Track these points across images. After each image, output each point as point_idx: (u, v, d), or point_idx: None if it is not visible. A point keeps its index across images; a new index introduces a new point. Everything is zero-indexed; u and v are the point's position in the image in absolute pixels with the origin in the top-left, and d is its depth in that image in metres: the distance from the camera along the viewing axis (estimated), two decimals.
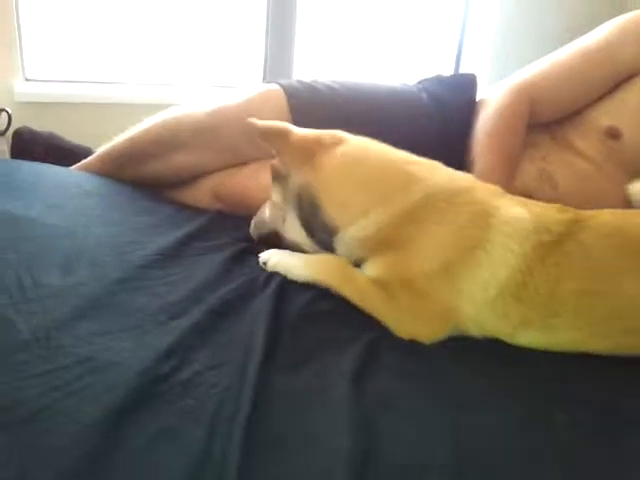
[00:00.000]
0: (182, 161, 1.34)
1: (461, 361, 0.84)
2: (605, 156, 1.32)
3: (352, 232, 0.95)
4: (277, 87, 1.33)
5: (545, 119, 1.39)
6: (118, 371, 0.69)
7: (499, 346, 0.88)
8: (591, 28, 1.37)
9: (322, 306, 0.92)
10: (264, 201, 1.28)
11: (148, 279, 0.93)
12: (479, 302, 0.86)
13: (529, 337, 0.88)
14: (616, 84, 1.31)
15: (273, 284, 0.96)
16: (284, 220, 1.05)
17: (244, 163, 1.35)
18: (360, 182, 0.96)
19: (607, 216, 0.93)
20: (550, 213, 0.91)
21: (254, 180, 1.30)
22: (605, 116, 1.32)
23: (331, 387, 0.73)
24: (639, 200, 1.20)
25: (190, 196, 1.37)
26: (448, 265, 0.87)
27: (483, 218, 0.89)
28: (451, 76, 1.68)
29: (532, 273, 0.85)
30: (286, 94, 1.31)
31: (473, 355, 0.86)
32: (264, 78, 2.35)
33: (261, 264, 1.03)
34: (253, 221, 1.13)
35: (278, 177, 1.04)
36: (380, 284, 0.91)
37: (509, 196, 0.97)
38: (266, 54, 2.33)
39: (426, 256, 0.88)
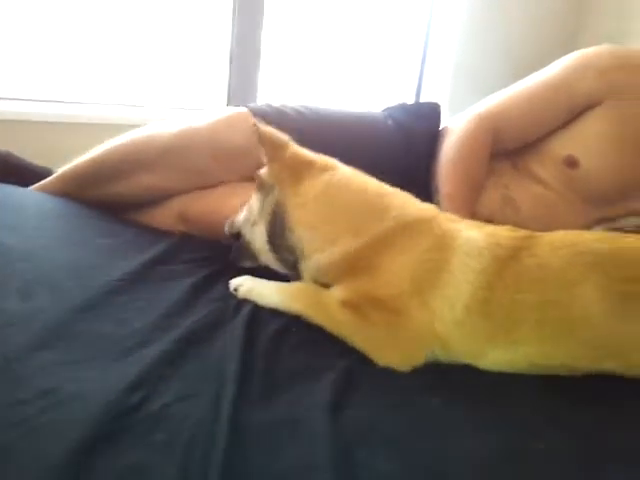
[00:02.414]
0: (148, 182, 1.31)
1: (436, 389, 0.82)
2: (564, 184, 1.36)
3: (319, 258, 0.96)
4: (245, 110, 1.32)
5: (508, 147, 1.42)
6: (83, 404, 0.65)
7: (471, 374, 0.88)
8: (550, 56, 1.42)
9: (295, 334, 0.90)
10: None
11: (112, 305, 0.89)
12: (448, 322, 0.87)
13: (496, 356, 0.88)
14: (574, 115, 1.35)
15: (244, 311, 0.94)
16: (252, 225, 1.07)
17: (211, 186, 1.32)
18: (334, 212, 0.98)
19: (560, 233, 0.97)
20: (501, 232, 0.95)
21: (222, 204, 1.27)
22: (563, 146, 1.36)
23: (307, 419, 0.70)
24: None
25: (154, 218, 1.34)
26: (417, 285, 0.88)
27: (445, 242, 0.92)
28: (415, 104, 1.71)
29: (492, 288, 0.87)
30: (254, 116, 1.30)
31: (447, 383, 0.85)
32: (228, 101, 2.33)
33: (232, 290, 1.01)
34: (230, 219, 1.14)
35: (261, 187, 1.06)
36: (351, 306, 0.90)
37: (466, 222, 1.00)
38: (230, 77, 2.32)
39: (394, 280, 0.90)
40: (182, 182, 1.32)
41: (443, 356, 0.89)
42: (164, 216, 1.33)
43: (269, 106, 1.36)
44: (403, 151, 1.42)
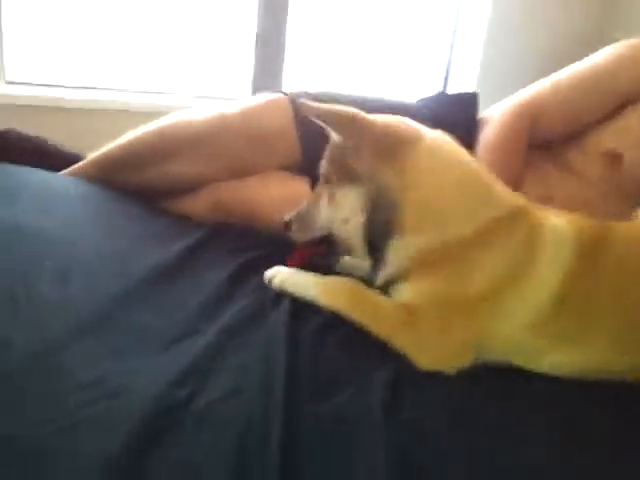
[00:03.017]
0: (179, 171, 1.27)
1: (491, 392, 0.78)
2: (605, 179, 1.31)
3: (417, 241, 0.86)
4: (282, 96, 1.27)
5: (548, 136, 1.37)
6: (129, 399, 0.61)
7: (522, 377, 0.83)
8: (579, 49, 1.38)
9: (339, 331, 0.85)
10: (273, 214, 1.21)
11: (150, 295, 0.86)
12: (518, 323, 0.82)
13: (556, 359, 0.83)
14: (615, 108, 1.30)
15: (284, 303, 0.89)
16: (345, 223, 0.93)
17: (246, 174, 1.28)
18: (446, 192, 0.88)
19: (633, 225, 0.93)
20: (582, 221, 0.89)
21: (259, 193, 1.23)
22: (606, 140, 1.31)
23: (362, 420, 0.66)
24: None
25: (186, 207, 1.29)
26: (498, 287, 0.83)
27: (534, 234, 0.86)
28: (452, 94, 1.65)
29: (571, 286, 0.82)
30: (292, 103, 1.25)
31: (498, 385, 0.80)
32: (253, 90, 2.30)
33: (265, 282, 0.96)
34: (295, 223, 0.98)
35: (353, 179, 0.90)
36: (407, 309, 0.85)
37: (546, 207, 0.93)
38: (255, 65, 2.28)
39: (478, 279, 0.83)
40: (216, 171, 1.28)
41: (499, 357, 0.84)
42: (197, 205, 1.29)
43: (307, 93, 1.31)
44: None
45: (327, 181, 0.95)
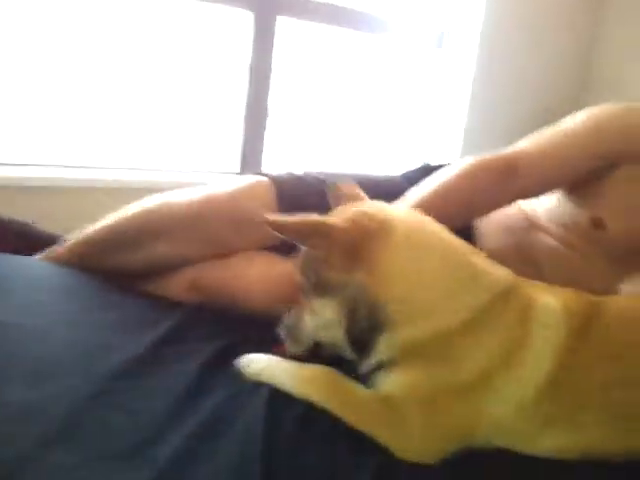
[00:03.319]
0: (162, 251, 1.27)
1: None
2: (589, 244, 1.30)
3: (409, 332, 0.83)
4: (265, 179, 1.28)
5: (528, 192, 1.33)
6: None
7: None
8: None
9: (317, 424, 0.83)
10: (253, 294, 1.20)
11: (119, 393, 0.84)
12: (512, 407, 0.81)
13: (552, 440, 0.82)
14: (593, 175, 1.29)
15: (258, 399, 0.86)
16: (328, 329, 0.90)
17: (227, 254, 1.27)
18: (425, 279, 0.84)
19: (624, 301, 0.94)
20: (571, 296, 0.89)
21: (240, 273, 1.23)
22: (587, 207, 1.30)
23: None
24: None
25: (163, 287, 1.29)
26: (489, 373, 0.81)
27: (526, 314, 0.84)
28: (436, 165, 1.67)
29: (566, 367, 0.81)
30: (275, 186, 1.26)
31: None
32: (242, 167, 2.34)
33: (240, 369, 0.94)
34: (286, 336, 0.95)
35: (326, 290, 0.87)
36: (390, 403, 0.83)
37: (540, 286, 0.92)
38: (244, 142, 2.33)
39: (468, 368, 0.82)
40: (199, 251, 1.28)
41: (488, 441, 0.83)
42: (175, 285, 1.29)
43: (290, 174, 1.33)
44: None
45: (304, 292, 0.92)
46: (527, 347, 0.81)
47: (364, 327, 0.85)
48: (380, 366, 0.88)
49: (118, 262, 1.27)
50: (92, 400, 0.79)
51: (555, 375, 0.80)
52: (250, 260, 1.26)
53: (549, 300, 0.86)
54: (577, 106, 1.44)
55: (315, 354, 0.95)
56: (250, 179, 1.30)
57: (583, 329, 0.83)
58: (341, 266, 0.83)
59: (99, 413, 0.77)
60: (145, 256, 1.27)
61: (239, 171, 2.35)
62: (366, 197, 0.98)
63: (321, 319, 0.89)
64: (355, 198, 0.95)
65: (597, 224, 1.28)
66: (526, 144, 1.35)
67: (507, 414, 0.81)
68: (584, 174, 1.31)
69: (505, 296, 0.85)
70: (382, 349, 0.86)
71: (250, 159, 2.33)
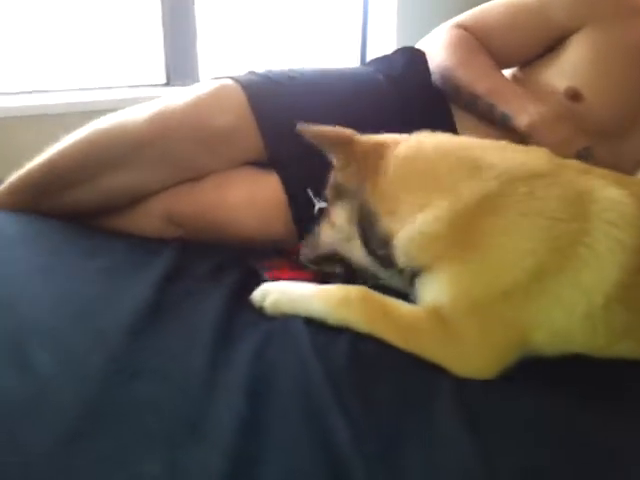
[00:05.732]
0: (120, 182, 1.07)
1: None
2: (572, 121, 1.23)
3: (407, 233, 0.77)
4: (231, 82, 1.09)
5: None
6: None
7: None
8: None
9: (369, 350, 0.73)
10: (238, 221, 1.07)
11: (139, 354, 0.68)
12: (576, 316, 0.71)
13: (624, 349, 0.75)
14: (552, 43, 1.22)
15: (296, 339, 0.74)
16: (349, 241, 0.88)
17: (198, 177, 1.10)
18: (415, 179, 0.81)
19: None
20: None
21: (220, 198, 1.07)
22: (560, 78, 1.22)
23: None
24: None
25: (135, 223, 1.10)
26: (539, 271, 0.70)
27: (578, 204, 0.73)
28: (398, 53, 1.52)
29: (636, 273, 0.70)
30: (243, 89, 1.08)
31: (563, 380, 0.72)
32: (167, 78, 2.08)
33: (255, 306, 0.82)
34: (303, 247, 0.96)
35: (341, 194, 0.89)
36: (437, 317, 0.73)
37: (595, 171, 0.80)
38: (166, 53, 2.06)
39: (509, 261, 0.71)
40: (164, 177, 1.09)
41: (553, 349, 0.74)
42: (146, 220, 1.11)
43: (255, 74, 1.14)
44: (400, 104, 1.24)
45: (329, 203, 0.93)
46: (588, 246, 0.70)
47: (377, 238, 0.82)
48: (414, 275, 0.78)
49: (67, 202, 1.07)
50: (108, 373, 0.62)
51: (630, 281, 0.70)
52: (227, 182, 1.09)
53: (613, 193, 0.75)
54: None
55: (349, 280, 0.86)
56: (212, 84, 1.10)
57: None
58: (356, 174, 0.86)
59: (123, 387, 0.61)
60: (98, 191, 1.07)
61: (165, 82, 2.10)
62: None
63: (338, 228, 0.89)
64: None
65: (574, 95, 1.21)
66: (477, 13, 1.27)
67: (572, 324, 0.72)
68: (539, 42, 1.23)
69: (533, 183, 0.74)
70: (400, 257, 0.79)
71: (178, 67, 2.07)
